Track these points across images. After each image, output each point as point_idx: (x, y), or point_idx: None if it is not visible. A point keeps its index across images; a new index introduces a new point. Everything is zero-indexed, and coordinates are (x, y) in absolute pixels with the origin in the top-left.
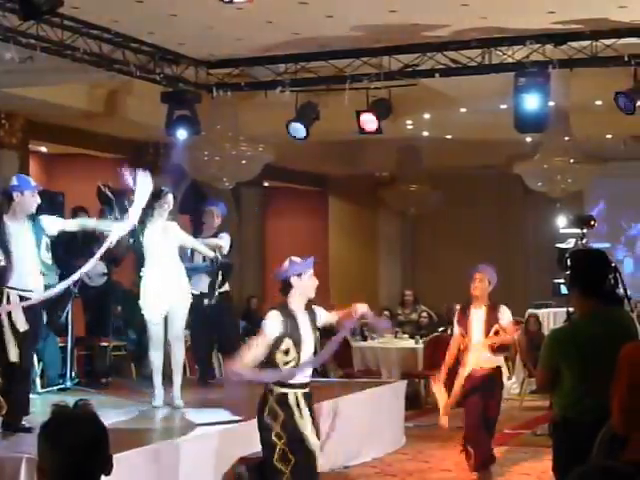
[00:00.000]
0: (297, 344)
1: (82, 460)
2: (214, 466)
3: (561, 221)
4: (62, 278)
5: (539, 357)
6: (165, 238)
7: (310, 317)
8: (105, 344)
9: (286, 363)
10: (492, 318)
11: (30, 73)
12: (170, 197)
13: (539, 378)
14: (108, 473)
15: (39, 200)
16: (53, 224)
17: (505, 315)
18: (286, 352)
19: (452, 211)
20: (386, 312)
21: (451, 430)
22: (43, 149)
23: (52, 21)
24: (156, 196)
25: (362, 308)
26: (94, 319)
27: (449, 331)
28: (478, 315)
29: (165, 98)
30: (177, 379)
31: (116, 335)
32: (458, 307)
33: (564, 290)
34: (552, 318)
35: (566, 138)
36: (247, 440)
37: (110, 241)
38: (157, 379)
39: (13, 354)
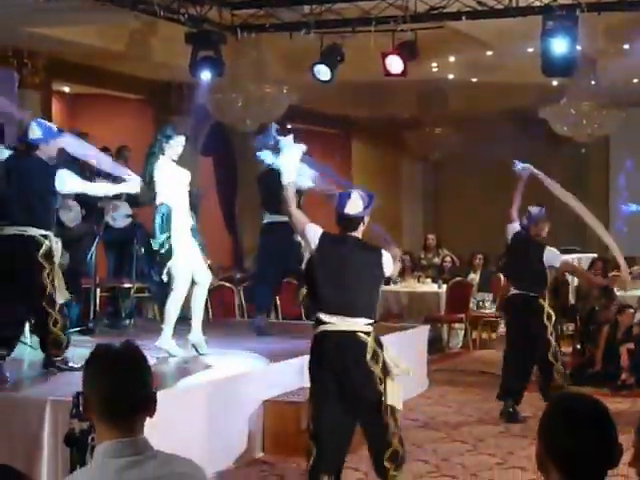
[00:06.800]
0: None
1: (126, 389)
2: (238, 409)
3: None
4: (85, 218)
5: None
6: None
7: None
8: (128, 286)
9: None
10: None
11: (54, 12)
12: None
13: None
14: (152, 414)
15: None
16: (67, 184)
17: None
18: None
19: (475, 155)
20: (406, 256)
21: (474, 375)
22: (66, 89)
23: None
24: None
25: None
26: (117, 261)
27: (470, 276)
28: None
29: (189, 39)
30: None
31: (139, 277)
32: None
33: None
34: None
35: (592, 82)
36: (271, 383)
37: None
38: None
39: (64, 295)
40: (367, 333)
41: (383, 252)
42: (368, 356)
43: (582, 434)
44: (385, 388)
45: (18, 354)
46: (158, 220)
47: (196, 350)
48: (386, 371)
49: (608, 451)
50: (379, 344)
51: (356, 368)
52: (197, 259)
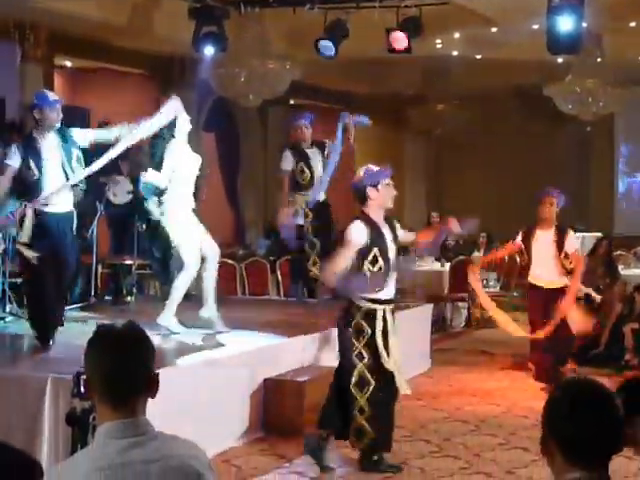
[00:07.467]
0: (383, 253)
1: (127, 369)
2: (239, 388)
3: None
4: (86, 194)
5: None
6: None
7: (390, 228)
8: (130, 262)
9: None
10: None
11: None
12: None
13: None
14: (153, 395)
15: (61, 114)
16: (84, 136)
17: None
18: (373, 262)
19: (479, 132)
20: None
21: (476, 355)
22: (68, 63)
23: None
24: None
25: (453, 225)
26: (119, 237)
27: (474, 254)
28: (546, 237)
29: (193, 14)
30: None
31: (140, 254)
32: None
33: None
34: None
35: (598, 60)
36: (273, 362)
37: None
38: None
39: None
40: (358, 307)
41: (348, 229)
42: (350, 327)
43: (582, 418)
44: (368, 364)
45: (18, 329)
46: (148, 187)
47: (210, 326)
48: (374, 350)
49: (610, 436)
50: (370, 323)
51: (339, 334)
52: (203, 235)
